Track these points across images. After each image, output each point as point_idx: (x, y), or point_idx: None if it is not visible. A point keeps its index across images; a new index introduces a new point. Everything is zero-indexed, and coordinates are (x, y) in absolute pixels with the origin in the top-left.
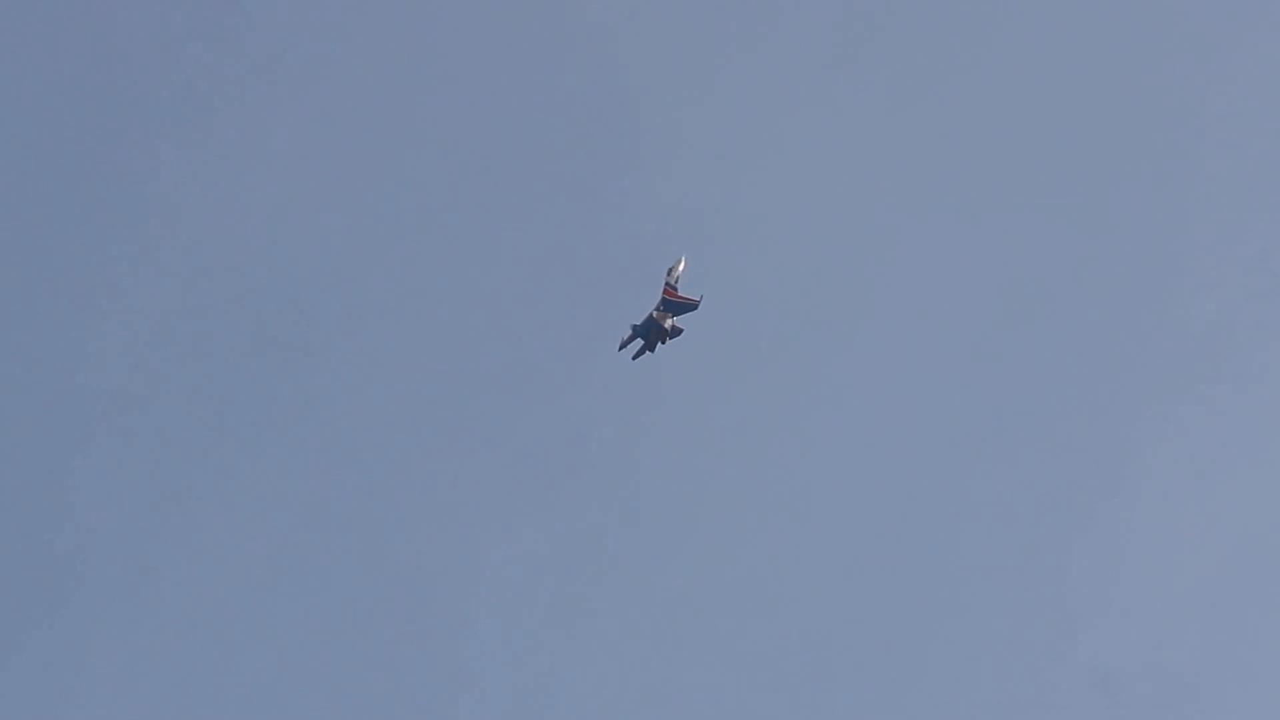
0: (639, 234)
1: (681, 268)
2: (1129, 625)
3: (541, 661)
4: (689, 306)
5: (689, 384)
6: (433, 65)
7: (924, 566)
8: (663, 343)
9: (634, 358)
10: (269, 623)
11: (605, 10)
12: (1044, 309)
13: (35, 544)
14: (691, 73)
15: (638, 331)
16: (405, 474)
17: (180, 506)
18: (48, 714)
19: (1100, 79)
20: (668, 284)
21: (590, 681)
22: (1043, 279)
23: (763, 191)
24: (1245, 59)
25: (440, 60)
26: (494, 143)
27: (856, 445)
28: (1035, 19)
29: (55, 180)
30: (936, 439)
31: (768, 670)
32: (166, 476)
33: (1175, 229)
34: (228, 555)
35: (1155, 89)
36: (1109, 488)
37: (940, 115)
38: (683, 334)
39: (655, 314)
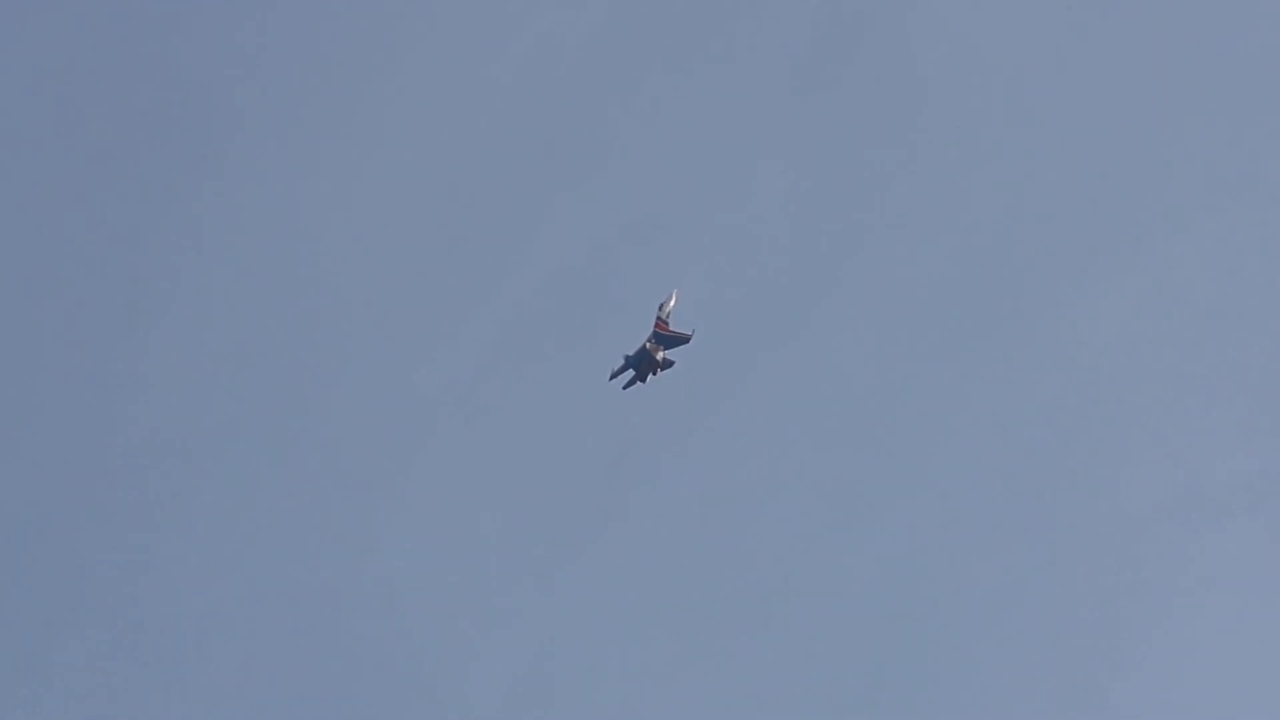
0: (634, 259)
1: (673, 303)
2: None
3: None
4: (681, 340)
5: (678, 414)
6: (414, 104)
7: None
8: (654, 374)
9: (624, 387)
10: None
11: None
12: None
13: None
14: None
15: (630, 362)
16: (402, 488)
17: None
18: None
19: None
20: (659, 318)
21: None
22: None
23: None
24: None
25: (427, 98)
26: (491, 168)
27: (848, 479)
28: None
29: None
30: (920, 460)
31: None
32: None
33: None
34: None
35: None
36: None
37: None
38: (674, 366)
39: (648, 345)
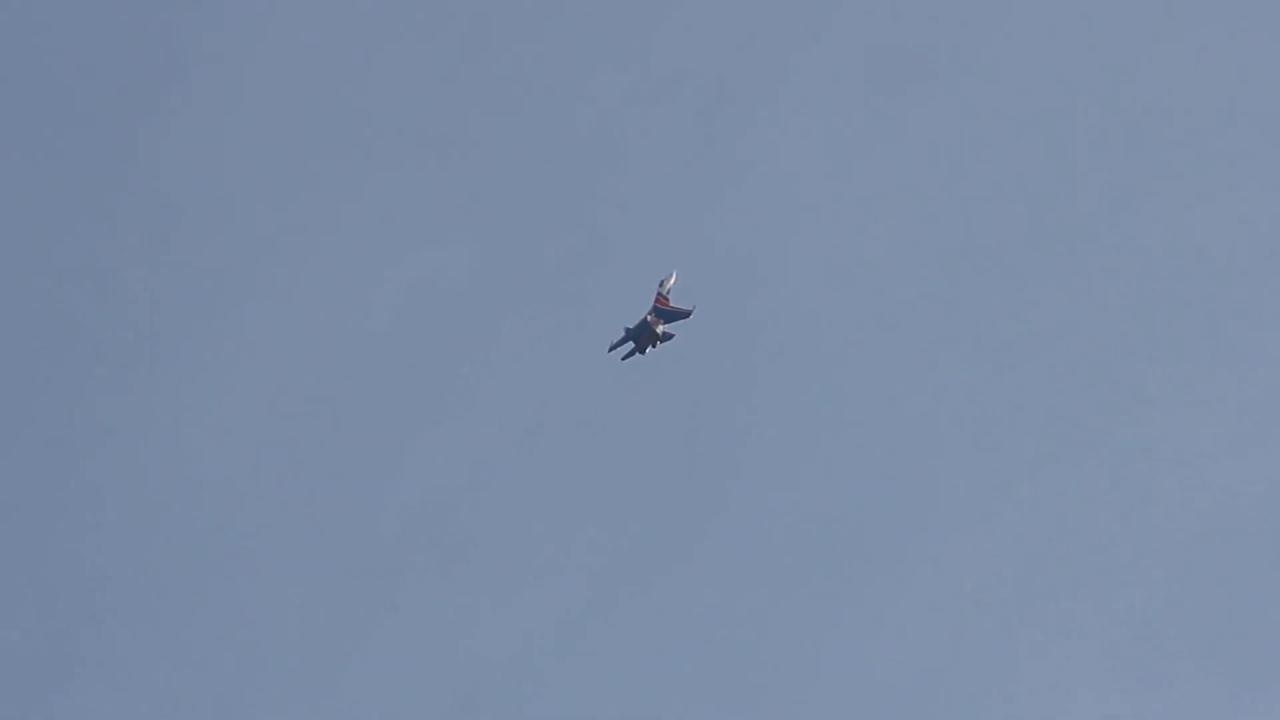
0: (635, 241)
1: (673, 281)
2: None
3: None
4: (681, 315)
5: (676, 387)
6: (426, 86)
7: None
8: (654, 346)
9: (623, 359)
10: None
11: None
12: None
13: None
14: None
15: (630, 334)
16: (401, 469)
17: None
18: None
19: None
20: (659, 294)
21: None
22: None
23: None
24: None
25: (439, 73)
26: (495, 150)
27: (844, 462)
28: None
29: None
30: (928, 439)
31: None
32: None
33: None
34: None
35: None
36: None
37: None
38: (674, 339)
39: (649, 318)
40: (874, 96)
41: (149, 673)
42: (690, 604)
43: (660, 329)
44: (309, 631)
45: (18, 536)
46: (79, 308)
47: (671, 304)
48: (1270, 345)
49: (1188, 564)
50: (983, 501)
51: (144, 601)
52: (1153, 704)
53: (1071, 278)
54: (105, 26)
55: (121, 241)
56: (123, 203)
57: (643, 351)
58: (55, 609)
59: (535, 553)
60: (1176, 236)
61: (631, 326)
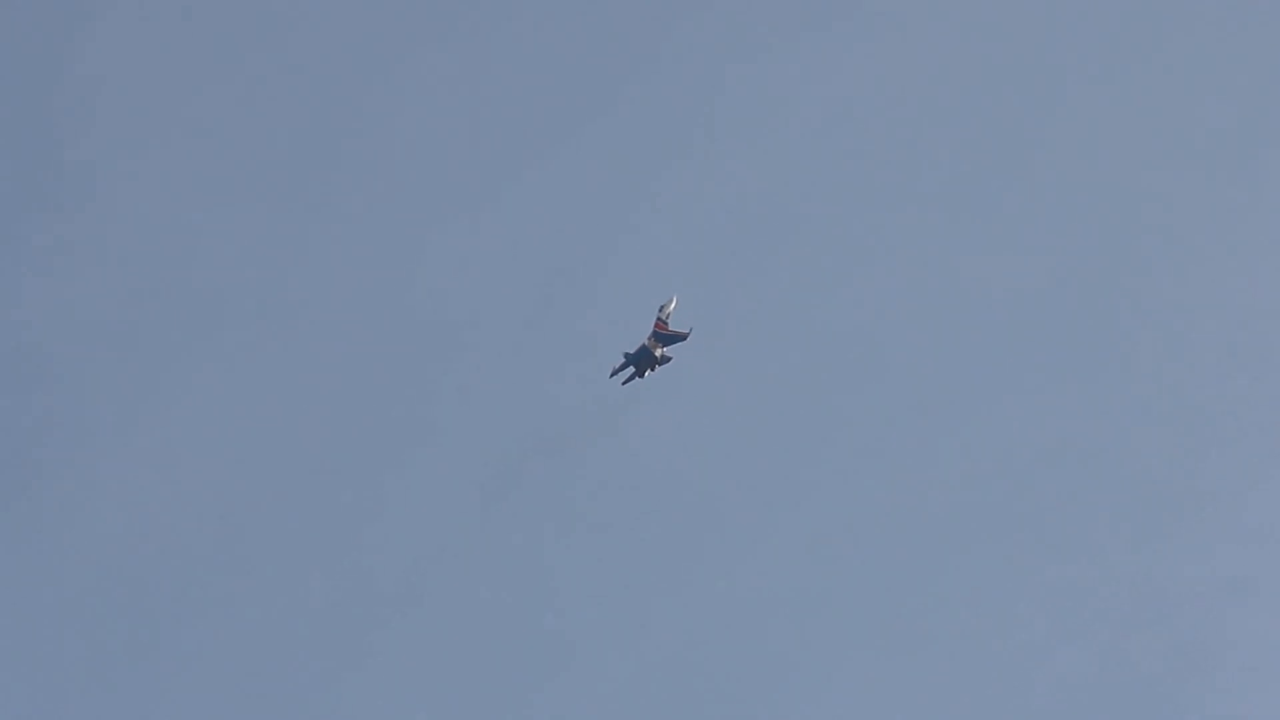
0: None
1: (673, 306)
2: None
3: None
4: (679, 338)
5: (676, 406)
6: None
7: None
8: (652, 370)
9: (624, 383)
10: None
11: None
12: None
13: None
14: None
15: (630, 359)
16: (400, 484)
17: None
18: None
19: None
20: (659, 319)
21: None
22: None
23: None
24: None
25: (436, 91)
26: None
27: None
28: None
29: None
30: (760, 622)
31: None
32: None
33: None
34: None
35: None
36: None
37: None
38: (671, 361)
39: (648, 342)
40: None
41: None
42: None
43: (659, 352)
44: None
45: None
46: None
47: (670, 328)
48: (1095, 538)
49: None
50: (816, 691)
51: None
52: None
53: (905, 468)
54: None
55: None
56: None
57: (641, 375)
58: None
59: None
60: (1008, 431)
61: (632, 352)
